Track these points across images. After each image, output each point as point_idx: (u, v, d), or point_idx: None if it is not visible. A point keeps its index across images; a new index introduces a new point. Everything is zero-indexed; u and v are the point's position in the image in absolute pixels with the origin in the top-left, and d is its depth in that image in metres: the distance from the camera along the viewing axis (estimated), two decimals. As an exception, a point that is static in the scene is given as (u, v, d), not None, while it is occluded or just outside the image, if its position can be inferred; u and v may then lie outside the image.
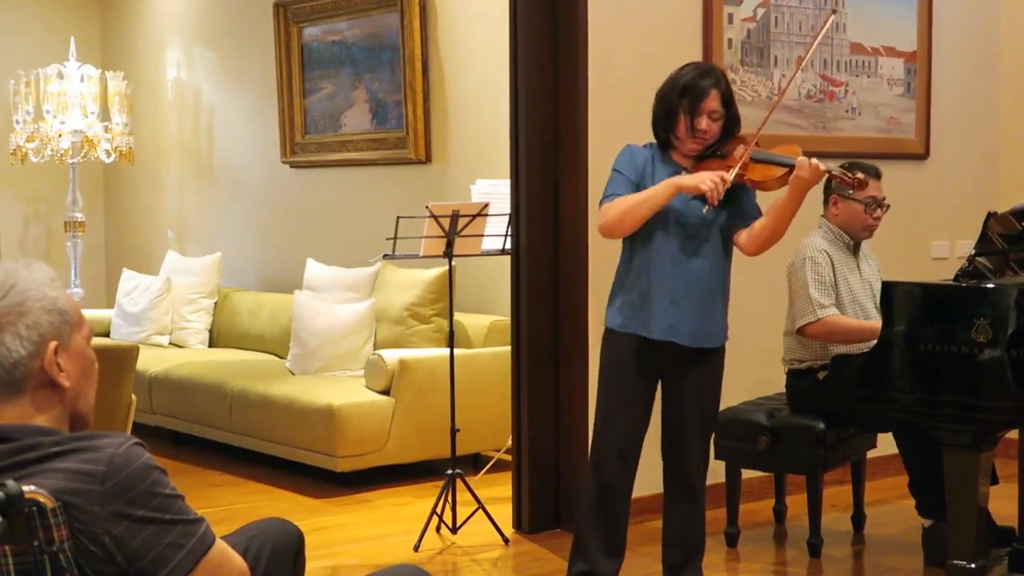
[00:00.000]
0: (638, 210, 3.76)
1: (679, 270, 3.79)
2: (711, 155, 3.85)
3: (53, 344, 2.04)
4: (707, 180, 3.67)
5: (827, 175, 3.81)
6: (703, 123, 3.77)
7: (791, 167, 3.76)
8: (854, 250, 4.72)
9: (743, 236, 3.86)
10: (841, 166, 4.67)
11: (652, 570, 4.37)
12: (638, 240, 3.84)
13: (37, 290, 2.05)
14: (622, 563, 4.00)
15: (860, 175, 3.85)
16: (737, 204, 3.84)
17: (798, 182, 3.73)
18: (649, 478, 4.34)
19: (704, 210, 3.71)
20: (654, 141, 3.92)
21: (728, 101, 3.82)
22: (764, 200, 3.93)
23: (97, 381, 2.16)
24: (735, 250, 3.94)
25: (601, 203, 3.85)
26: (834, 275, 4.59)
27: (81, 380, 2.11)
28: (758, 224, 3.84)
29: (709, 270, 3.83)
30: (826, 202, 4.71)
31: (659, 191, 3.73)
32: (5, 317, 2.02)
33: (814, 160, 3.73)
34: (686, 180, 3.71)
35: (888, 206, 4.73)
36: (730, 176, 3.69)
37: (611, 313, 3.92)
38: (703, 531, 4.02)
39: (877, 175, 4.69)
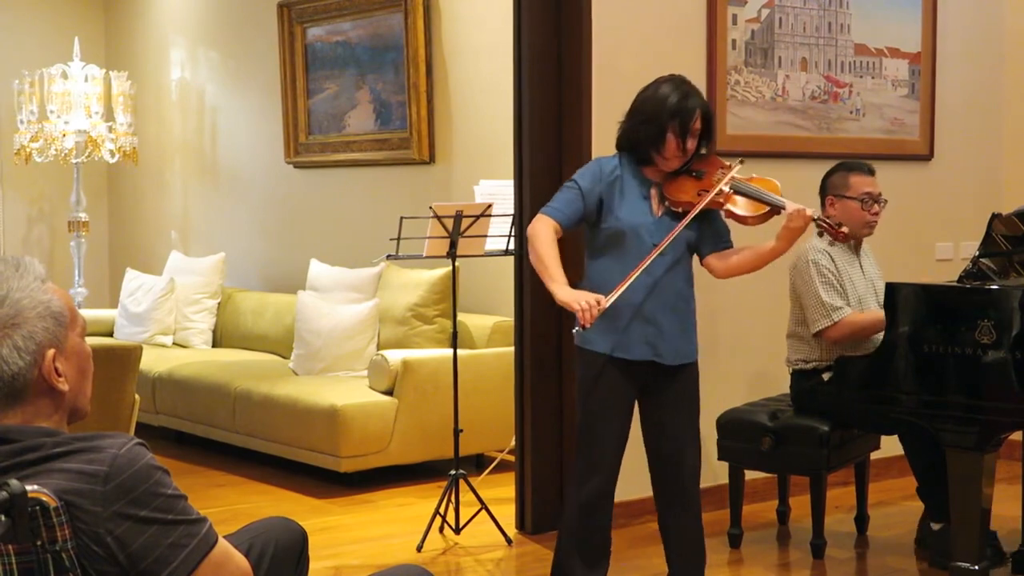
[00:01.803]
0: (535, 259, 3.78)
1: (653, 289, 3.76)
2: (684, 172, 3.84)
3: (51, 352, 2.04)
4: (581, 301, 3.59)
5: (812, 221, 3.78)
6: (692, 143, 3.79)
7: (777, 208, 3.76)
8: (855, 249, 4.72)
9: (717, 262, 3.87)
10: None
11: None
12: (608, 260, 3.80)
13: (30, 297, 2.03)
14: (606, 572, 3.96)
15: (845, 229, 3.86)
16: (710, 226, 3.85)
17: (790, 232, 3.75)
18: (635, 483, 4.33)
19: (573, 330, 3.67)
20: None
21: (708, 118, 3.83)
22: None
23: (93, 373, 2.15)
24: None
25: (544, 208, 3.84)
26: (838, 273, 4.58)
27: (79, 379, 2.10)
28: (737, 258, 3.85)
29: (682, 287, 3.83)
30: (823, 205, 4.71)
31: (547, 275, 3.70)
32: (0, 330, 2.01)
33: (803, 208, 3.73)
34: (560, 295, 3.65)
35: (886, 202, 4.71)
36: (607, 302, 3.61)
37: (580, 331, 3.84)
38: (703, 542, 3.99)
39: (870, 171, 4.70)
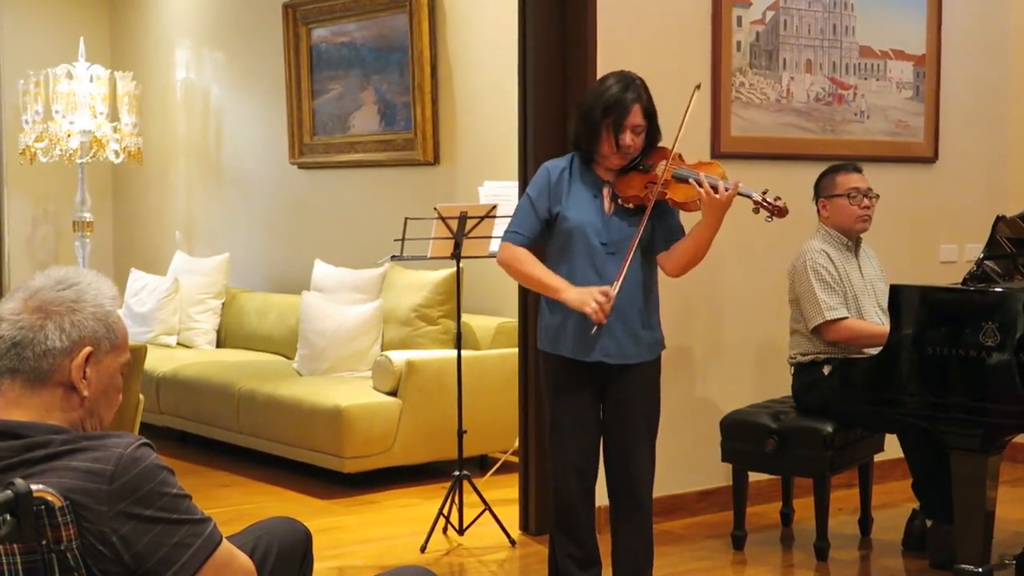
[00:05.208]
0: (529, 283, 3.87)
1: None
2: (633, 168, 3.81)
3: (87, 350, 2.06)
4: (591, 302, 3.61)
5: (748, 198, 3.74)
6: (627, 139, 3.73)
7: (715, 189, 3.71)
8: (855, 250, 4.74)
9: (666, 259, 3.85)
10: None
11: None
12: (557, 261, 3.80)
13: (96, 297, 2.08)
14: (600, 573, 3.97)
15: (781, 202, 3.76)
16: (661, 222, 3.81)
17: (711, 207, 3.68)
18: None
19: (592, 330, 3.67)
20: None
21: (650, 113, 3.78)
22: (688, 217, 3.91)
23: (116, 410, 2.16)
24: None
25: (505, 234, 3.84)
26: (837, 272, 4.60)
27: (100, 398, 2.11)
28: (679, 248, 3.81)
29: (634, 287, 3.78)
30: (817, 210, 4.76)
31: (550, 288, 3.73)
32: (56, 307, 2.05)
33: (732, 183, 3.70)
34: (572, 299, 3.66)
35: (877, 196, 4.74)
36: (614, 290, 3.64)
37: (540, 334, 3.88)
38: (651, 541, 3.97)
39: (857, 169, 4.76)
